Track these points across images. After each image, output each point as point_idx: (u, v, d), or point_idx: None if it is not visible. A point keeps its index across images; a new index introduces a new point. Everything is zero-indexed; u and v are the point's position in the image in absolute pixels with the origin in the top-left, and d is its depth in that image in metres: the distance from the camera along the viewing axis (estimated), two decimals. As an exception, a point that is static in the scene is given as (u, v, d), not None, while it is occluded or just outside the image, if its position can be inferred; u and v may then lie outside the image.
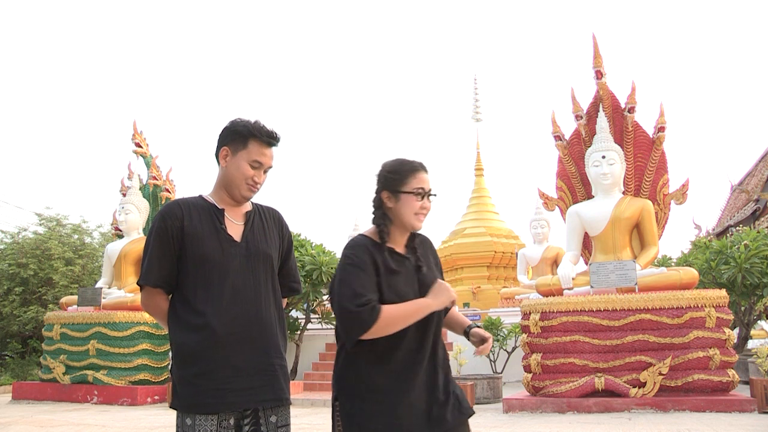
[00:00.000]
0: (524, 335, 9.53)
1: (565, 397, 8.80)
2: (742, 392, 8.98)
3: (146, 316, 12.16)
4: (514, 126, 64.71)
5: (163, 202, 13.86)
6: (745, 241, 10.97)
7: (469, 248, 21.02)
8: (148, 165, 14.22)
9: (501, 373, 12.30)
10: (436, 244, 22.86)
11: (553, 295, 9.51)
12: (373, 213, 2.21)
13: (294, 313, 14.55)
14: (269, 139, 2.21)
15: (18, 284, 16.67)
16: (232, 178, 2.18)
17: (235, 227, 2.18)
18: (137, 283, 2.19)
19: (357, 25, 72.74)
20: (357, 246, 2.12)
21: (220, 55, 69.80)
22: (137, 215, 13.35)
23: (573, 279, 9.65)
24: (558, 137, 11.04)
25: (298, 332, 14.03)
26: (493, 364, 12.77)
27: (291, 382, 12.81)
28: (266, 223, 2.27)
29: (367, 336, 1.98)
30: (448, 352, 11.23)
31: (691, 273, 9.25)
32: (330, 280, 13.17)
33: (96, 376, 11.61)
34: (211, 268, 2.09)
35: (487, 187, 23.50)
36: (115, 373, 11.61)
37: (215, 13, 67.77)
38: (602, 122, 10.46)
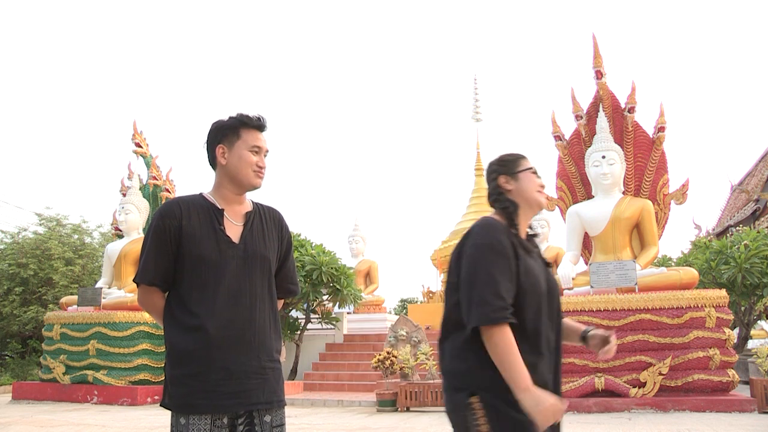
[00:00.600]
0: (524, 335, 9.52)
1: (565, 397, 8.78)
2: (742, 392, 8.98)
3: (146, 316, 12.17)
4: (514, 126, 64.77)
5: (163, 202, 13.87)
6: (745, 241, 10.98)
7: (469, 248, 20.99)
8: (148, 165, 14.22)
9: (501, 373, 12.28)
10: (436, 244, 22.90)
11: (553, 295, 9.51)
12: (497, 200, 2.19)
13: (294, 313, 14.55)
14: (258, 123, 2.22)
15: (18, 284, 16.68)
16: (237, 170, 2.17)
17: (234, 228, 2.16)
18: (133, 281, 2.19)
19: (357, 25, 72.79)
20: (496, 228, 2.04)
21: (220, 55, 69.83)
22: (137, 215, 13.36)
23: (573, 279, 9.65)
24: (558, 137, 11.04)
25: (298, 332, 14.02)
26: (493, 364, 12.75)
27: (291, 382, 12.86)
28: (266, 224, 2.25)
29: (472, 328, 1.92)
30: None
31: (691, 273, 9.25)
32: (330, 279, 13.17)
33: (96, 376, 11.62)
34: (208, 270, 2.08)
35: (487, 187, 23.51)
36: (115, 373, 11.61)
37: (215, 12, 67.79)
38: (602, 122, 10.47)
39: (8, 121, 51.39)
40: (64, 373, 11.87)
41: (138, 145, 14.25)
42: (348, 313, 16.16)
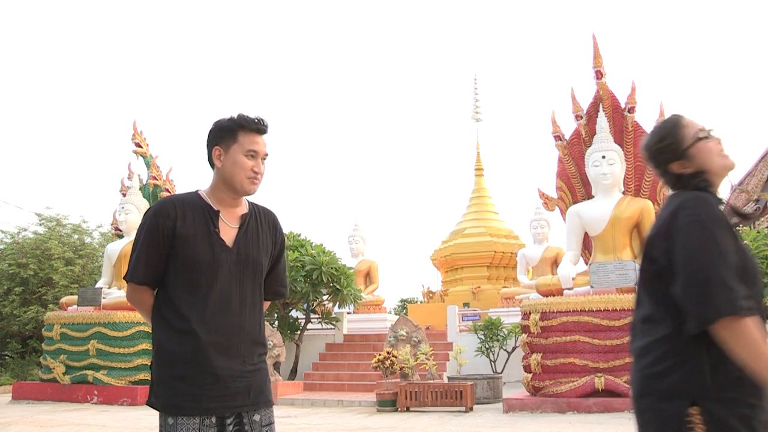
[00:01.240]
0: (524, 335, 9.53)
1: (565, 397, 8.80)
2: (742, 392, 8.98)
3: (146, 316, 12.17)
4: (514, 126, 64.75)
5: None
6: (745, 241, 10.97)
7: (469, 248, 21.02)
8: (148, 165, 14.22)
9: (501, 373, 12.31)
10: (436, 244, 22.91)
11: (553, 295, 9.51)
12: (684, 187, 1.83)
13: (294, 313, 14.55)
14: (257, 126, 2.17)
15: (18, 284, 16.67)
16: (232, 175, 2.13)
17: (228, 231, 2.13)
18: (123, 278, 2.17)
19: (357, 25, 72.78)
20: (711, 202, 1.72)
21: (219, 55, 69.83)
22: (137, 215, 13.34)
23: (573, 279, 9.65)
24: (558, 137, 11.04)
25: (298, 332, 14.02)
26: (493, 364, 12.77)
27: (291, 382, 12.86)
28: (261, 226, 2.22)
29: (702, 328, 1.60)
30: (448, 352, 11.13)
31: (691, 273, 9.24)
32: (330, 279, 13.17)
33: (96, 376, 11.61)
34: (200, 273, 2.06)
35: (487, 187, 23.50)
36: (115, 373, 11.61)
37: (215, 12, 67.80)
38: (602, 122, 10.47)
39: (8, 121, 51.41)
40: (64, 373, 11.86)
41: (138, 145, 14.25)
42: (348, 313, 16.16)
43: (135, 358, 11.73)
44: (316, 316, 14.44)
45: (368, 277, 19.70)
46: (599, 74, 10.63)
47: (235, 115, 2.18)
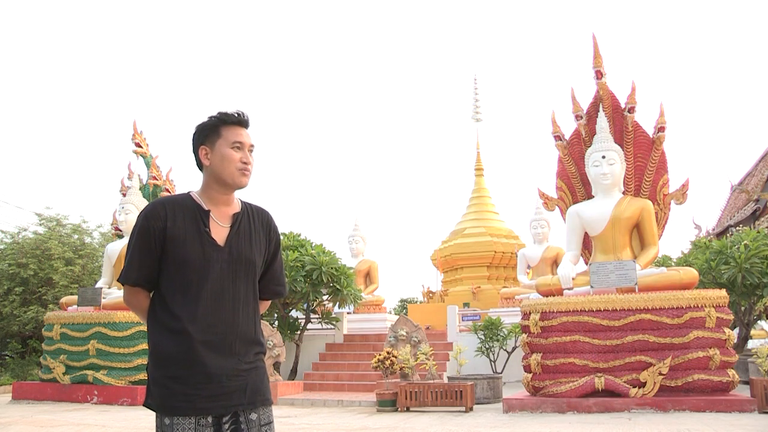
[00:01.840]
0: (524, 335, 9.53)
1: (565, 397, 8.80)
2: (742, 392, 8.98)
3: (146, 316, 12.16)
4: (514, 126, 64.73)
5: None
6: (745, 241, 10.97)
7: (469, 248, 21.02)
8: (148, 165, 14.22)
9: (501, 373, 12.31)
10: (436, 244, 22.90)
11: (553, 295, 9.51)
12: None
13: (294, 313, 14.55)
14: (238, 118, 2.19)
15: (18, 284, 16.67)
16: (221, 169, 2.14)
17: (220, 230, 2.14)
18: (117, 280, 2.19)
19: (357, 25, 72.76)
20: None
21: (220, 55, 69.81)
22: (137, 215, 13.35)
23: (573, 279, 9.65)
24: (558, 137, 11.04)
25: (298, 332, 14.02)
26: (493, 364, 12.77)
27: (291, 382, 12.86)
28: (253, 225, 2.22)
29: None
30: (448, 352, 11.16)
31: (691, 273, 9.25)
32: (330, 279, 13.16)
33: (96, 376, 11.61)
34: (191, 272, 2.06)
35: (487, 187, 23.50)
36: (115, 373, 11.61)
37: (215, 12, 67.77)
38: (602, 122, 10.47)
39: (8, 121, 51.40)
40: (64, 373, 11.86)
41: (138, 145, 14.25)
42: (348, 313, 16.16)
43: (135, 358, 11.73)
44: (316, 316, 14.44)
45: (368, 277, 19.69)
46: (599, 74, 10.63)
47: (215, 113, 2.21)
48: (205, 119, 2.22)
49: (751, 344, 13.19)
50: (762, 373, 8.61)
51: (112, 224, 14.44)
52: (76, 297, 12.83)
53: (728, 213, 24.74)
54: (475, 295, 19.88)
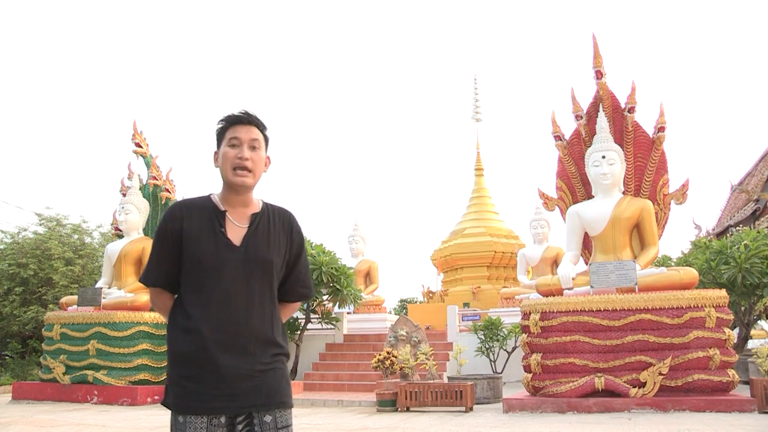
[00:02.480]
0: (524, 335, 9.53)
1: (565, 397, 8.80)
2: (742, 392, 8.98)
3: (146, 316, 12.17)
4: (514, 126, 64.73)
5: (163, 203, 13.87)
6: (745, 241, 10.97)
7: (469, 248, 21.01)
8: (148, 165, 14.22)
9: (501, 373, 12.30)
10: (436, 244, 22.89)
11: (553, 295, 9.51)
12: None
13: (294, 313, 14.54)
14: (238, 117, 2.20)
15: (18, 284, 16.67)
16: (223, 170, 2.16)
17: (236, 230, 2.14)
18: (138, 281, 2.22)
19: (357, 25, 72.74)
20: None
21: (220, 55, 69.79)
22: (137, 215, 13.35)
23: (573, 279, 9.65)
24: (558, 137, 11.04)
25: (298, 332, 14.02)
26: (493, 364, 12.77)
27: (291, 382, 12.83)
28: (273, 226, 2.20)
29: None
30: (448, 352, 11.16)
31: (691, 273, 9.25)
32: (330, 279, 13.16)
33: (96, 376, 11.61)
34: (205, 272, 2.07)
35: (487, 187, 23.50)
36: (115, 373, 11.61)
37: (215, 12, 67.75)
38: (602, 122, 10.47)
39: (8, 121, 51.39)
40: (64, 373, 11.86)
41: (138, 145, 14.25)
42: (348, 313, 16.15)
43: (135, 358, 11.73)
44: (316, 316, 14.44)
45: (368, 277, 19.69)
46: (599, 74, 10.63)
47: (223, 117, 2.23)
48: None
49: (751, 344, 13.19)
50: (762, 373, 8.61)
51: (112, 224, 14.44)
52: (76, 297, 12.83)
53: (728, 213, 24.74)
54: (475, 295, 19.87)
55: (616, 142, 10.39)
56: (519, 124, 65.18)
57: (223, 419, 2.02)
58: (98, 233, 19.52)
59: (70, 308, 12.65)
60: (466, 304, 18.68)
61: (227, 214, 2.16)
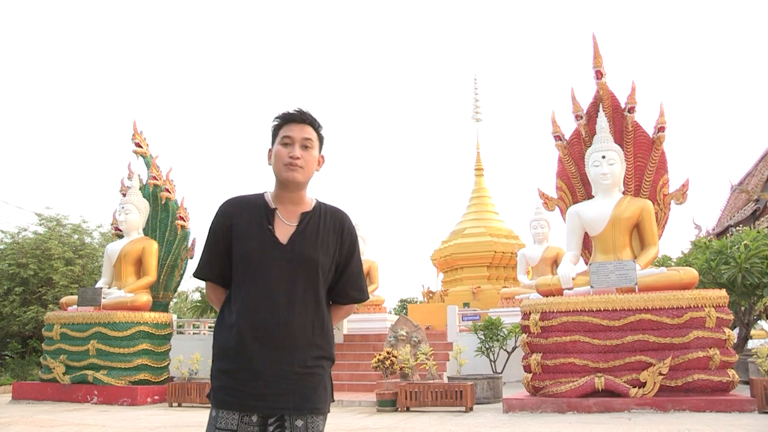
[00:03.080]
0: (524, 335, 9.52)
1: (565, 397, 8.79)
2: (742, 392, 8.98)
3: (146, 316, 12.16)
4: (514, 126, 64.75)
5: (163, 203, 13.87)
6: (745, 241, 10.96)
7: (469, 248, 21.00)
8: (148, 165, 14.22)
9: (501, 373, 12.29)
10: (436, 244, 22.88)
11: (553, 295, 9.51)
12: None
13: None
14: (291, 115, 2.18)
15: (18, 284, 16.67)
16: (275, 168, 2.17)
17: (284, 228, 2.13)
18: (192, 275, 2.27)
19: (357, 25, 72.77)
20: None
21: (220, 55, 69.80)
22: (137, 215, 13.35)
23: (573, 279, 9.64)
24: (558, 137, 11.03)
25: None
26: (493, 364, 12.76)
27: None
28: (323, 225, 2.17)
29: None
30: (448, 352, 11.15)
31: (691, 273, 9.24)
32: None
33: (96, 376, 11.61)
34: (250, 269, 2.08)
35: (487, 187, 23.50)
36: (115, 373, 11.60)
37: (215, 13, 67.77)
38: (602, 122, 10.46)
39: (8, 121, 51.38)
40: (64, 373, 11.86)
41: (138, 145, 14.24)
42: (348, 312, 16.12)
43: (135, 358, 11.73)
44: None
45: (368, 277, 19.66)
46: (599, 74, 10.62)
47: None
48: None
49: (751, 344, 13.18)
50: (762, 373, 8.61)
51: (112, 224, 14.44)
52: (76, 297, 12.83)
53: (728, 213, 24.73)
54: (475, 295, 19.86)
55: (616, 142, 10.39)
56: (519, 124, 65.22)
57: (255, 418, 2.01)
58: (98, 233, 19.54)
59: (70, 308, 12.65)
60: (466, 304, 18.66)
61: (277, 211, 2.16)
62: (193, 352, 12.01)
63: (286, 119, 2.19)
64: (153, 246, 13.21)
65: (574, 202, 10.84)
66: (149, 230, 13.82)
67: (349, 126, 70.10)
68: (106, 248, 13.54)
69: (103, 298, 12.38)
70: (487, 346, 12.63)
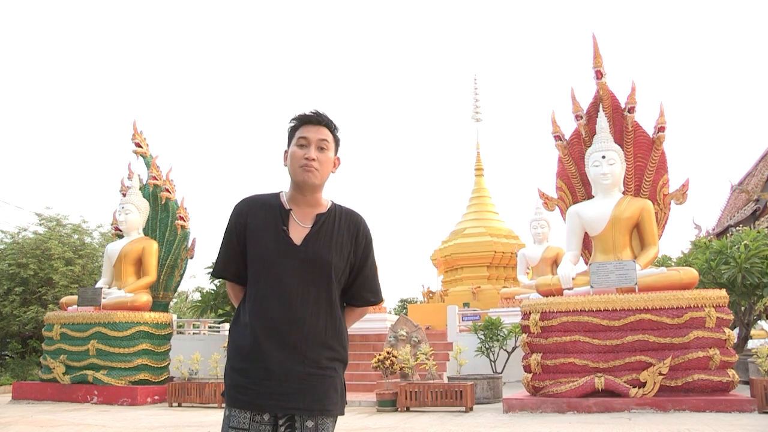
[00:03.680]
0: (524, 335, 9.52)
1: (565, 397, 8.79)
2: (742, 392, 8.98)
3: (146, 316, 12.16)
4: (514, 126, 64.75)
5: (163, 203, 13.86)
6: (745, 241, 10.96)
7: (469, 248, 21.00)
8: (148, 165, 14.21)
9: (501, 373, 12.29)
10: (436, 244, 22.88)
11: (553, 295, 9.51)
12: None
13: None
14: (308, 117, 2.18)
15: (18, 284, 16.67)
16: (290, 170, 2.17)
17: (298, 230, 2.13)
18: (210, 273, 2.28)
19: (357, 25, 72.78)
20: None
21: (220, 55, 69.81)
22: (137, 215, 13.34)
23: (573, 279, 9.64)
24: (558, 137, 11.03)
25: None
26: (493, 364, 12.76)
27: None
28: (338, 227, 2.17)
29: None
30: (448, 352, 11.16)
31: (691, 273, 9.24)
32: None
33: (96, 376, 11.61)
34: (263, 268, 2.09)
35: (487, 187, 23.50)
36: (115, 373, 11.60)
37: (215, 13, 67.77)
38: (602, 122, 10.46)
39: (9, 121, 51.39)
40: (64, 373, 11.86)
41: (138, 145, 14.24)
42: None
43: (135, 358, 11.73)
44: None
45: (368, 277, 19.65)
46: (599, 74, 10.62)
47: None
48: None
49: (751, 344, 13.18)
50: (762, 373, 8.61)
51: (112, 224, 14.43)
52: (76, 297, 12.82)
53: (728, 213, 24.73)
54: (475, 295, 19.86)
55: (616, 142, 10.39)
56: (519, 124, 65.22)
57: (266, 417, 2.02)
58: (98, 233, 19.53)
59: (70, 308, 12.64)
60: (466, 304, 18.66)
61: (292, 212, 2.16)
62: (193, 352, 12.02)
63: (303, 121, 2.19)
64: (153, 246, 13.21)
65: (574, 202, 10.83)
66: (149, 230, 13.82)
67: (350, 126, 70.14)
68: (106, 248, 13.54)
69: (103, 298, 12.37)
70: (487, 346, 12.63)
